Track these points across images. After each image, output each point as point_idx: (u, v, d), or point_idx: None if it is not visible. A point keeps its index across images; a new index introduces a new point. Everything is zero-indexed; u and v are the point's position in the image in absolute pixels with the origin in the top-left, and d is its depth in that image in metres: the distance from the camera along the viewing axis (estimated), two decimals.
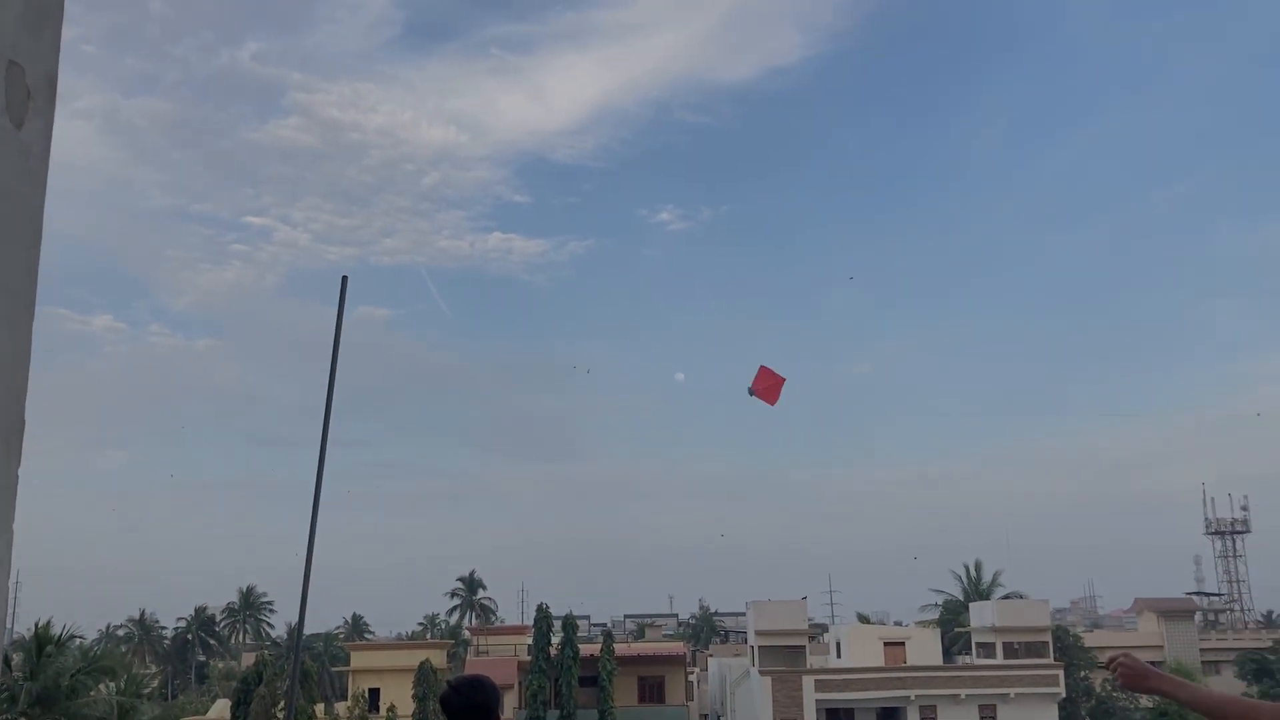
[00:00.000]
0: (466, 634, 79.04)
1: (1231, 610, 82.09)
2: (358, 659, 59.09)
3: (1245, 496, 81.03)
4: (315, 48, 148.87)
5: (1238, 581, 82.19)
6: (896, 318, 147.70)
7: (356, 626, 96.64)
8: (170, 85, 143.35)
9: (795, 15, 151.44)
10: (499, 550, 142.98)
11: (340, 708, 54.76)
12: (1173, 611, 72.23)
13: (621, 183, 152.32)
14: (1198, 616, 76.39)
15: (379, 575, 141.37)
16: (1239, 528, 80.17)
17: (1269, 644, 65.41)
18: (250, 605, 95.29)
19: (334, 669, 68.13)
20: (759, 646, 55.61)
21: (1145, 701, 60.25)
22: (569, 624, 54.09)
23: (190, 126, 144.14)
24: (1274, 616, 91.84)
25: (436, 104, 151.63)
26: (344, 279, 5.01)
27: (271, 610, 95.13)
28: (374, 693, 54.01)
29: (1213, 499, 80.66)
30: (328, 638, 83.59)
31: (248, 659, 70.84)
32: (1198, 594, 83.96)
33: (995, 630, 57.21)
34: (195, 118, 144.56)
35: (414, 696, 50.70)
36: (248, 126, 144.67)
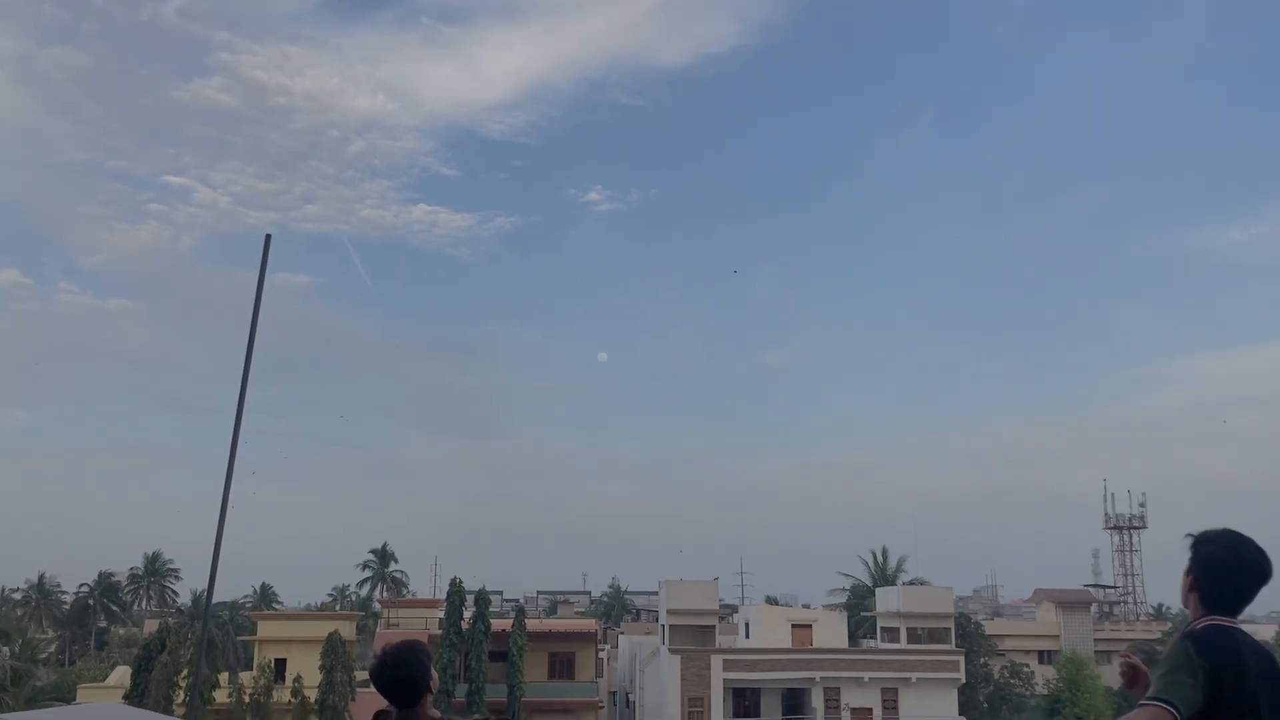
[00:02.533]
0: (377, 606, 78.46)
1: (1125, 602, 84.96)
2: (265, 628, 58.29)
3: (1144, 494, 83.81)
4: (243, 7, 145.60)
5: (1132, 575, 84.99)
6: (815, 307, 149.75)
7: (265, 596, 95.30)
8: (89, 36, 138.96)
9: (730, 4, 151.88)
10: (413, 523, 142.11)
11: (245, 677, 54.03)
12: (1070, 602, 74.54)
13: (551, 160, 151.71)
14: (1094, 608, 79.00)
15: (290, 545, 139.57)
16: (1136, 524, 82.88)
17: (1158, 635, 67.95)
18: (155, 572, 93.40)
19: (240, 638, 67.13)
20: (670, 625, 56.20)
21: (1040, 689, 62.28)
22: (482, 598, 54.04)
23: (109, 80, 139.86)
24: (1164, 609, 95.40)
25: (366, 71, 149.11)
26: (267, 238, 4.98)
27: (177, 577, 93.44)
28: (280, 663, 53.37)
29: (1113, 495, 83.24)
30: (234, 606, 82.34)
31: (151, 626, 69.45)
32: (1094, 586, 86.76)
33: (900, 615, 58.56)
34: (115, 71, 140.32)
35: (321, 667, 50.22)
36: (170, 84, 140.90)
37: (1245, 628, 3.44)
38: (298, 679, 50.03)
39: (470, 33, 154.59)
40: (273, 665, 52.49)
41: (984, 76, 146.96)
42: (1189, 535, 3.60)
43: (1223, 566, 3.50)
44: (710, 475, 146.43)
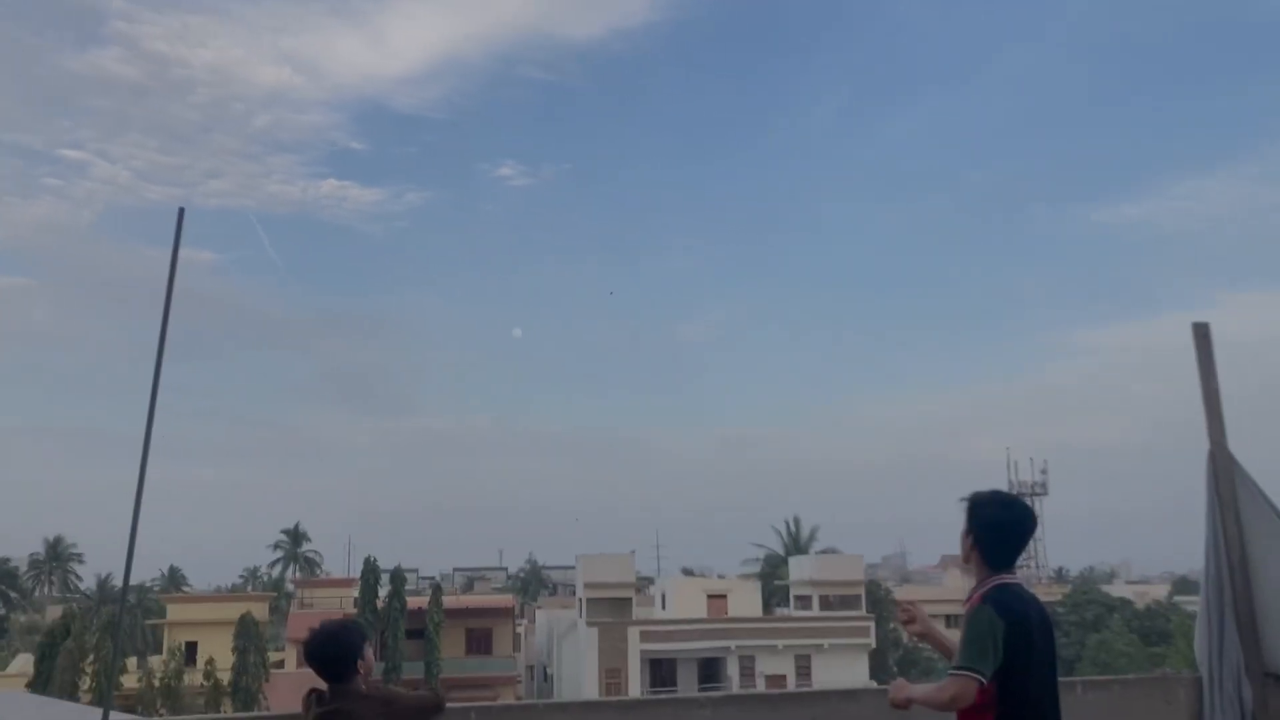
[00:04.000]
0: (290, 587, 77.41)
1: (1027, 566, 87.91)
2: (174, 611, 57.16)
3: (1045, 461, 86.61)
4: None
5: (1035, 540, 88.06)
6: (728, 282, 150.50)
7: (173, 578, 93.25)
8: None
9: None
10: (326, 503, 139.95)
11: (154, 662, 52.94)
12: None
13: (463, 135, 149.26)
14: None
15: (199, 527, 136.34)
16: (1038, 490, 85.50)
17: (1059, 596, 70.42)
18: (57, 556, 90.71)
19: (148, 622, 65.69)
20: (586, 599, 56.53)
21: None
22: (397, 577, 53.73)
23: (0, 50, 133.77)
24: (1064, 572, 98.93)
25: (271, 43, 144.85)
26: (180, 211, 4.89)
27: (80, 561, 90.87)
28: (191, 646, 52.43)
29: (1015, 463, 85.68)
30: (142, 590, 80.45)
31: (53, 612, 67.53)
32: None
33: (812, 583, 59.76)
34: (5, 41, 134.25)
35: (234, 649, 49.48)
36: (65, 54, 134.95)
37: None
38: (209, 662, 49.20)
39: (378, 5, 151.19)
40: (183, 649, 51.53)
41: (891, 56, 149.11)
42: (963, 499, 3.93)
43: (1000, 526, 3.83)
44: (626, 449, 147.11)
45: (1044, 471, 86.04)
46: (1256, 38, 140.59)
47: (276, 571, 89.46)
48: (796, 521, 75.64)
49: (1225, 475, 5.62)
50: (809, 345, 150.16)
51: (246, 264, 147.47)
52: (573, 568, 66.54)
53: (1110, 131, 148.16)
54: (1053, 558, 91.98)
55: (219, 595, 74.66)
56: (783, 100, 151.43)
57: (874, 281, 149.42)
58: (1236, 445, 5.68)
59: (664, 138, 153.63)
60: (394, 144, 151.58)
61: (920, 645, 65.13)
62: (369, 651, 4.18)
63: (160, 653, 54.38)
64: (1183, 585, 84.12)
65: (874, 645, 57.31)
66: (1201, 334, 5.76)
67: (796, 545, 73.70)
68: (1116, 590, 78.99)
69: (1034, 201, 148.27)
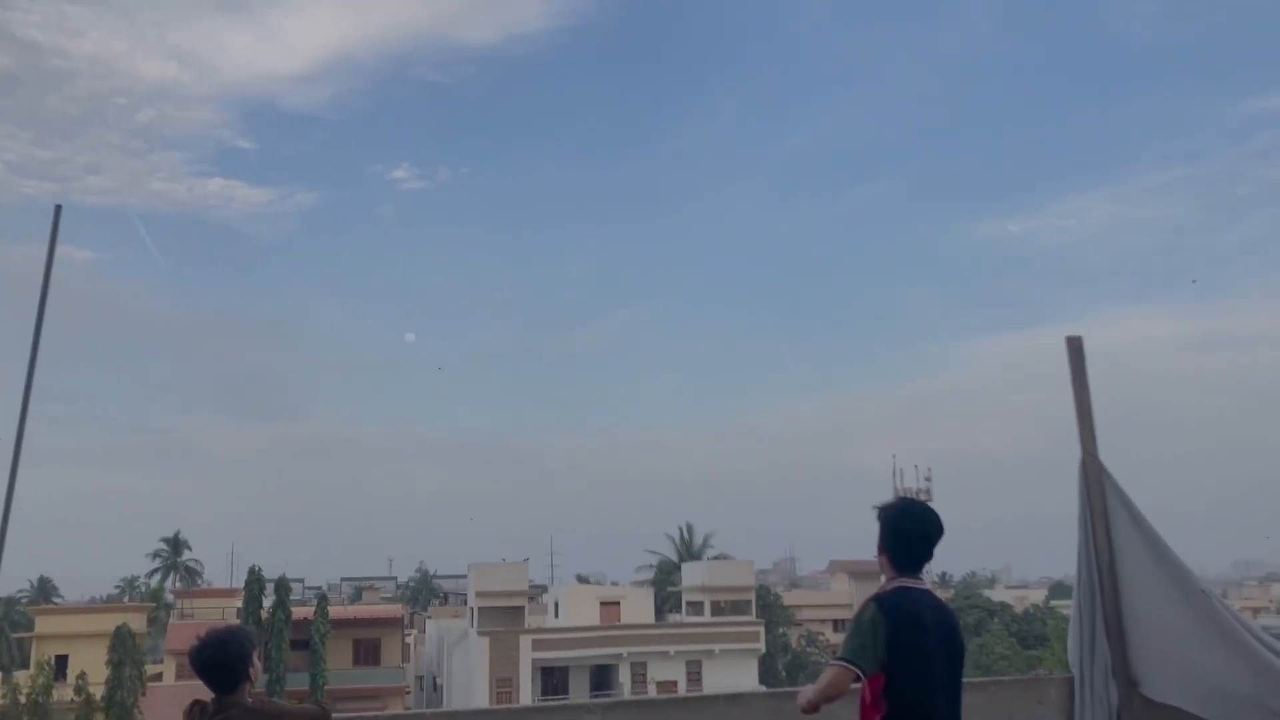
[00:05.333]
0: (170, 597, 74.90)
1: None
2: (44, 624, 54.76)
3: (929, 469, 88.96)
4: None
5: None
6: (624, 289, 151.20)
7: (44, 589, 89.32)
8: None
9: None
10: (209, 511, 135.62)
11: (21, 677, 50.62)
12: (862, 572, 78.43)
13: (355, 136, 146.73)
14: (883, 577, 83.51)
15: (72, 535, 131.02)
16: (922, 497, 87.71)
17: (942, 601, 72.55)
18: None
19: (15, 636, 62.82)
20: (479, 608, 56.01)
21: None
22: (282, 586, 52.43)
23: None
24: (947, 577, 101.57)
25: (156, 36, 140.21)
26: (57, 209, 4.73)
27: None
28: (62, 660, 50.28)
29: (901, 470, 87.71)
30: (9, 602, 76.90)
31: None
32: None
33: (704, 589, 60.25)
34: None
35: (108, 663, 47.60)
36: None
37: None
38: (81, 676, 47.24)
39: (270, 1, 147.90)
40: (53, 662, 49.38)
41: (785, 69, 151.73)
42: (875, 507, 4.16)
43: (904, 532, 4.05)
44: (521, 456, 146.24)
45: (928, 479, 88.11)
46: (1131, 65, 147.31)
47: (155, 581, 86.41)
48: (690, 528, 76.20)
49: (1095, 484, 5.86)
50: (703, 351, 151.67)
51: (128, 264, 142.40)
52: (465, 577, 65.84)
53: (993, 150, 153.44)
54: (936, 563, 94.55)
55: (93, 606, 71.74)
56: (678, 108, 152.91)
57: (767, 289, 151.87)
58: (1107, 455, 5.93)
59: (560, 144, 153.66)
60: (284, 143, 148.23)
61: (809, 649, 66.21)
62: (257, 660, 4.07)
63: (28, 667, 52.04)
64: (1059, 590, 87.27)
65: (764, 650, 58.03)
66: (1075, 347, 6.00)
67: (689, 552, 74.21)
68: (997, 595, 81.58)
69: (920, 215, 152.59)
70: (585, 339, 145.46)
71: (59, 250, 4.94)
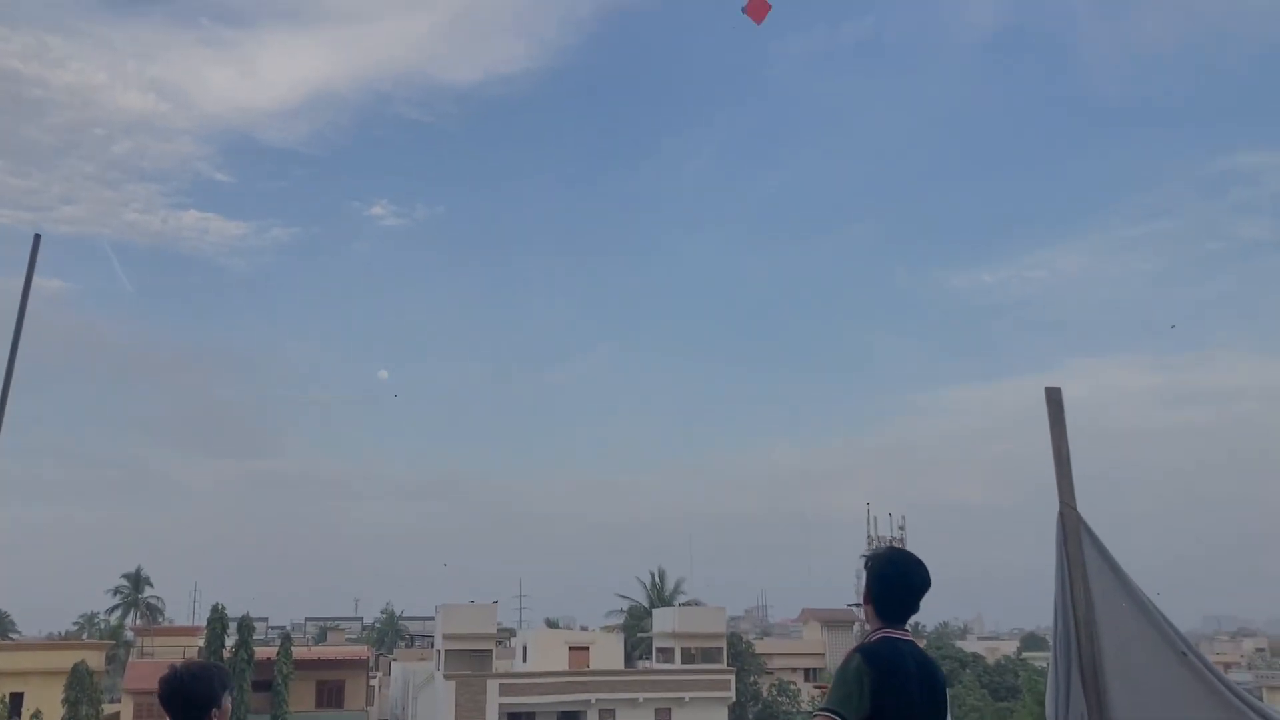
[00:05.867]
0: (130, 634, 73.59)
1: None
2: None
3: (903, 517, 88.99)
4: None
5: None
6: (599, 328, 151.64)
7: (0, 625, 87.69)
8: None
9: (519, 26, 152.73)
10: (172, 546, 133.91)
11: None
12: (834, 621, 78.16)
13: (334, 171, 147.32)
14: (856, 626, 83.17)
15: (30, 570, 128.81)
16: (896, 545, 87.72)
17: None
18: None
19: None
20: (445, 651, 55.29)
21: (806, 705, 64.92)
22: (245, 625, 51.72)
23: None
24: (919, 627, 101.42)
25: (136, 68, 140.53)
26: (36, 238, 4.69)
27: None
28: (16, 698, 49.18)
29: (875, 518, 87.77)
30: None
31: None
32: (857, 605, 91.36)
33: (674, 636, 59.77)
34: None
35: (65, 701, 46.65)
36: None
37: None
38: (36, 715, 46.23)
39: (251, 36, 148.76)
40: (7, 701, 48.32)
41: (764, 115, 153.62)
42: (863, 556, 4.26)
43: (890, 581, 4.06)
44: (492, 496, 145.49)
45: (902, 527, 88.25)
46: (1105, 119, 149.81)
47: (115, 618, 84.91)
48: (661, 573, 75.76)
49: (1074, 535, 5.85)
50: (677, 393, 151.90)
51: (99, 294, 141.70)
52: (432, 618, 65.08)
53: (969, 199, 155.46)
54: None
55: (50, 643, 70.33)
56: (655, 150, 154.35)
57: (742, 332, 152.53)
58: (1084, 504, 5.94)
59: (537, 183, 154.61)
60: (262, 177, 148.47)
61: (780, 698, 65.71)
62: (228, 701, 3.95)
63: None
64: (1031, 641, 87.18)
65: (734, 699, 57.53)
66: (1053, 398, 6.02)
67: (660, 597, 73.71)
68: (969, 646, 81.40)
69: (895, 262, 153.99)
70: (558, 377, 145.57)
71: (34, 280, 4.89)
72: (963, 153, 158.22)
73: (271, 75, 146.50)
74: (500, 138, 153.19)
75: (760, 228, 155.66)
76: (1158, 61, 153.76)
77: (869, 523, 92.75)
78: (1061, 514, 5.95)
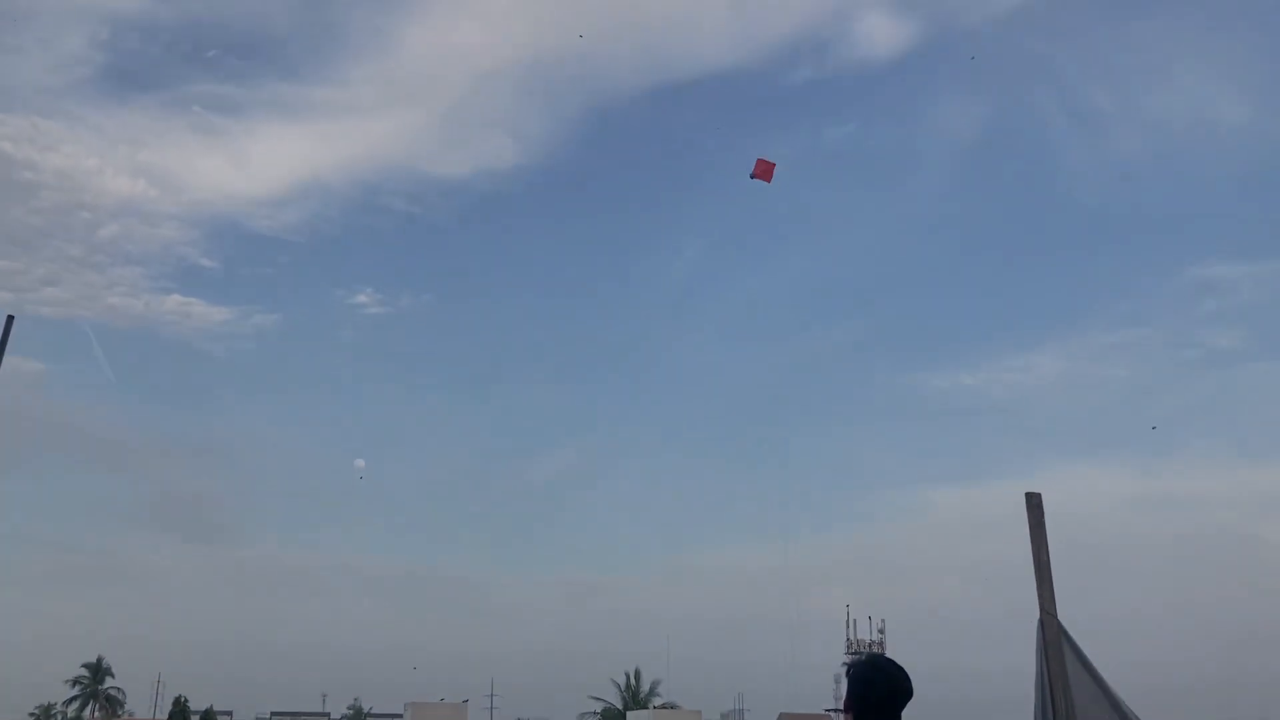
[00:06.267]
0: None
1: None
2: None
3: (883, 620, 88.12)
4: None
5: None
6: (581, 423, 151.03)
7: None
8: None
9: (510, 123, 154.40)
10: (135, 635, 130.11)
11: None
12: None
13: (320, 259, 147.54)
14: None
15: None
16: (876, 649, 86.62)
17: None
18: None
19: None
20: None
21: None
22: (208, 718, 50.30)
23: None
24: None
25: (127, 154, 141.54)
26: (9, 319, 4.65)
27: None
28: None
29: (854, 621, 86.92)
30: None
31: None
32: (835, 710, 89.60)
33: None
34: None
35: None
36: None
37: None
38: None
39: (243, 125, 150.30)
40: None
41: (749, 215, 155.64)
42: (844, 664, 4.14)
43: (872, 690, 3.97)
44: (465, 591, 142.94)
45: (881, 631, 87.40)
46: (1084, 227, 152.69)
47: (73, 710, 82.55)
48: (637, 674, 74.34)
49: (1054, 644, 5.76)
50: (657, 490, 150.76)
51: (77, 377, 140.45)
52: (401, 716, 63.40)
53: (950, 302, 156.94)
54: None
55: None
56: (642, 248, 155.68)
57: (722, 431, 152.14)
58: (1065, 611, 5.86)
59: (524, 276, 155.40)
60: (247, 264, 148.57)
61: None
62: None
63: None
64: None
65: None
66: (1034, 503, 5.98)
67: (635, 699, 72.19)
68: None
69: (877, 363, 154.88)
70: (537, 473, 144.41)
71: (7, 361, 4.82)
72: (943, 256, 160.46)
73: (261, 164, 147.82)
74: (487, 231, 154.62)
75: (743, 327, 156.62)
76: (1134, 172, 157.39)
77: (849, 625, 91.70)
78: (1042, 622, 5.87)
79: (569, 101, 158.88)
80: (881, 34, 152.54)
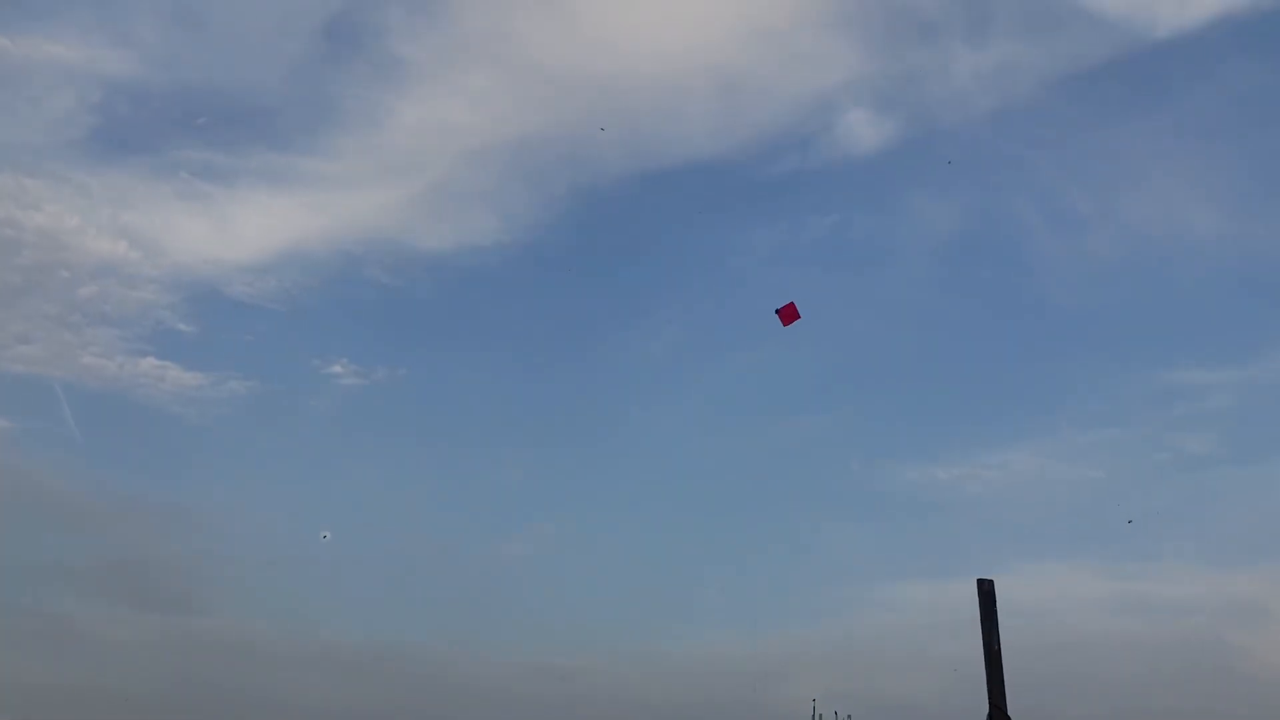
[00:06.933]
0: None
1: None
2: None
3: (849, 716, 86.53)
4: None
5: None
6: (555, 501, 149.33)
7: None
8: None
9: (495, 200, 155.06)
10: (83, 704, 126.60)
11: None
12: None
13: (298, 328, 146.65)
14: None
15: None
16: None
17: None
18: None
19: None
20: None
21: None
22: None
23: None
24: None
25: (110, 215, 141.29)
26: None
27: None
28: None
29: (820, 715, 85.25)
30: None
31: None
32: None
33: None
34: None
35: None
36: None
37: None
38: None
39: (229, 193, 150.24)
40: None
41: (728, 300, 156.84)
42: None
43: None
44: (434, 671, 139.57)
45: None
46: (1059, 328, 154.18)
47: None
48: None
49: None
50: (623, 573, 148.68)
51: (43, 436, 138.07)
52: None
53: (923, 397, 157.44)
54: None
55: None
56: (619, 329, 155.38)
57: (693, 515, 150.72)
58: (1028, 712, 5.51)
59: (500, 352, 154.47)
60: (225, 330, 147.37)
61: None
62: None
63: None
64: None
65: None
66: (985, 590, 5.67)
67: None
68: None
69: (850, 453, 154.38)
70: (514, 548, 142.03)
71: None
72: (920, 349, 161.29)
73: (245, 231, 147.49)
74: (467, 306, 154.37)
75: (718, 412, 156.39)
76: (1108, 275, 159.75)
77: (814, 718, 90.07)
78: (990, 717, 5.52)
79: (554, 181, 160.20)
80: (863, 130, 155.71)
